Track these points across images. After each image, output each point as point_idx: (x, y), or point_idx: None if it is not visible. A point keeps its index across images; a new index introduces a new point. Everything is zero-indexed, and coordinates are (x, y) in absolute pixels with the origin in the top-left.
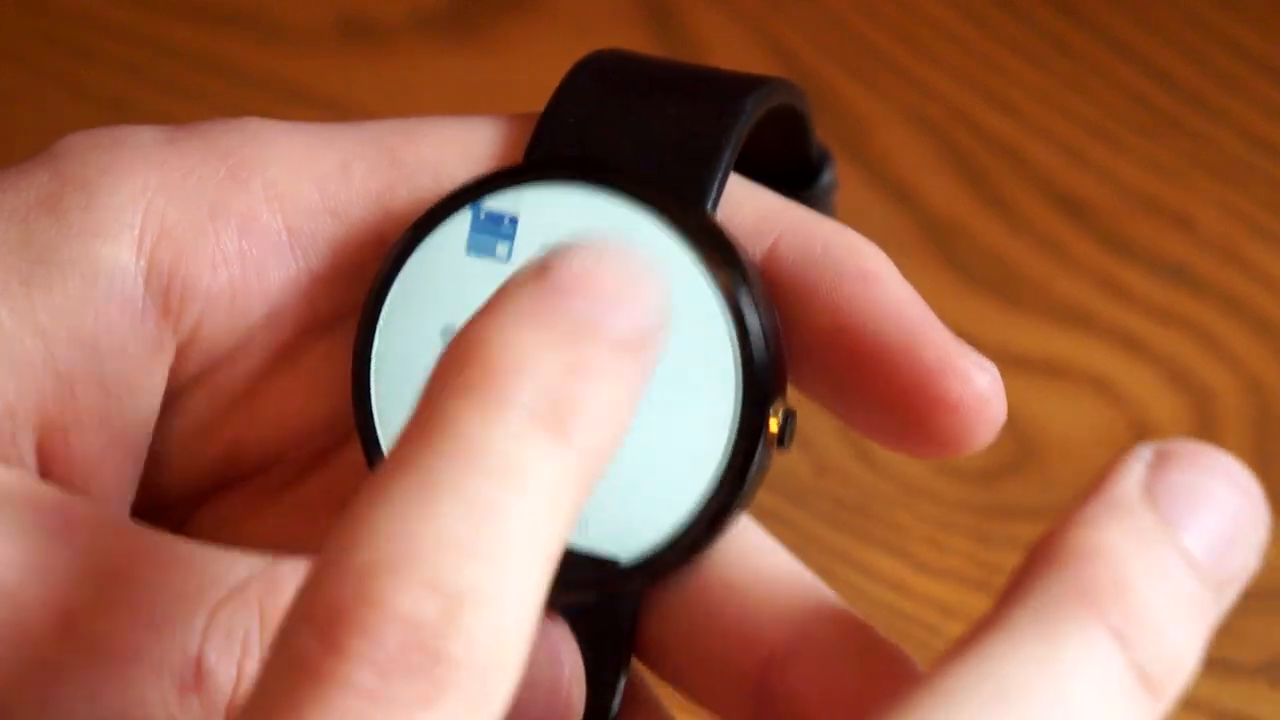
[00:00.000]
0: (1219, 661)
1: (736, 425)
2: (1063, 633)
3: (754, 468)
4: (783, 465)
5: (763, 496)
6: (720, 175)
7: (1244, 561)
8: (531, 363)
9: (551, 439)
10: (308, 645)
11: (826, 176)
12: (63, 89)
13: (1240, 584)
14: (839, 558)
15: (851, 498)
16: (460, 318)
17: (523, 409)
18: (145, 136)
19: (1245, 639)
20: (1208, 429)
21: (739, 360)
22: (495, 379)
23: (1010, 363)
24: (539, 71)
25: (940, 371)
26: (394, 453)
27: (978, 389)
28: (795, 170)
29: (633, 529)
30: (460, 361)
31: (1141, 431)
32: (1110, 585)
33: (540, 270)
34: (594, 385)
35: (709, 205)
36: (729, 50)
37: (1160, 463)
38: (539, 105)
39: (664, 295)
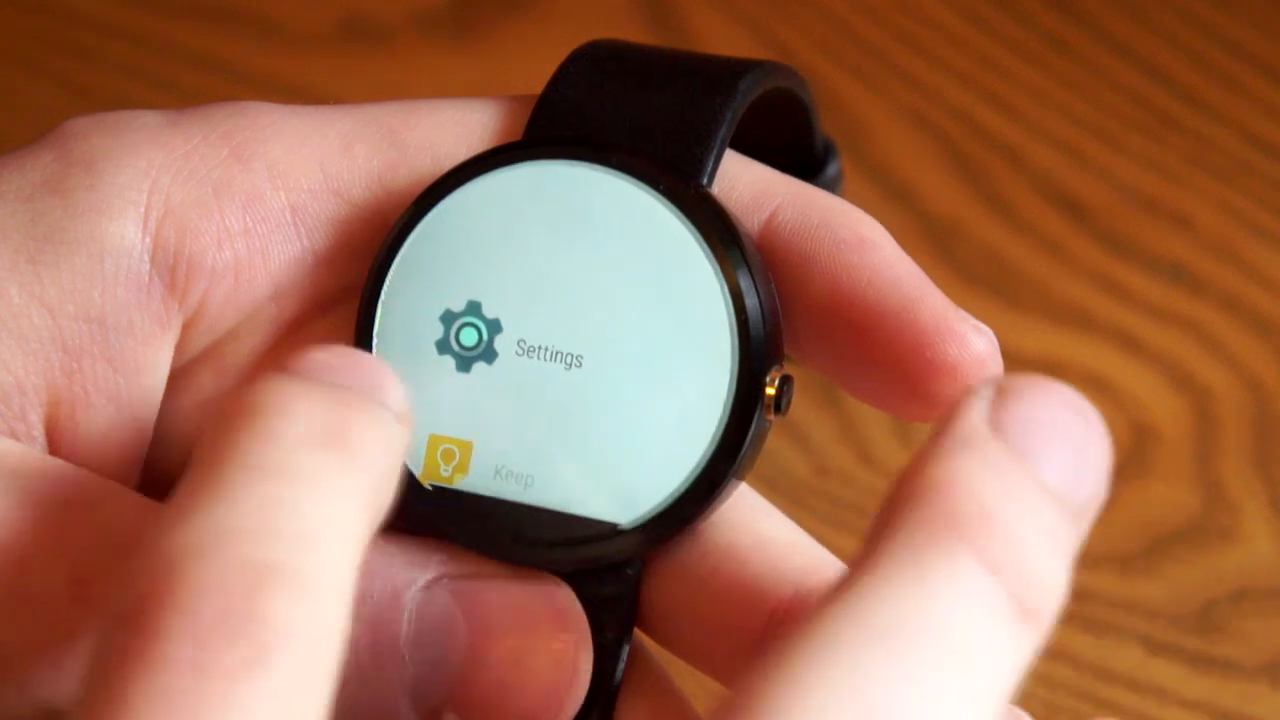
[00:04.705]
0: (1219, 661)
1: (733, 392)
2: (933, 566)
3: (751, 433)
4: (783, 465)
5: (763, 496)
6: (716, 150)
7: (1095, 489)
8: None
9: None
10: (126, 634)
11: (832, 168)
12: (63, 89)
13: (1094, 512)
14: (839, 557)
15: (851, 498)
16: (462, 295)
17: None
18: (148, 119)
19: (1245, 639)
20: (1207, 429)
21: (735, 329)
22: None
23: (1009, 362)
24: (538, 71)
25: (937, 334)
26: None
27: (974, 351)
28: (800, 161)
29: (633, 494)
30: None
31: (1141, 431)
32: (975, 514)
33: None
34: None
35: (705, 180)
36: (728, 50)
37: (1003, 398)
38: None
39: None
